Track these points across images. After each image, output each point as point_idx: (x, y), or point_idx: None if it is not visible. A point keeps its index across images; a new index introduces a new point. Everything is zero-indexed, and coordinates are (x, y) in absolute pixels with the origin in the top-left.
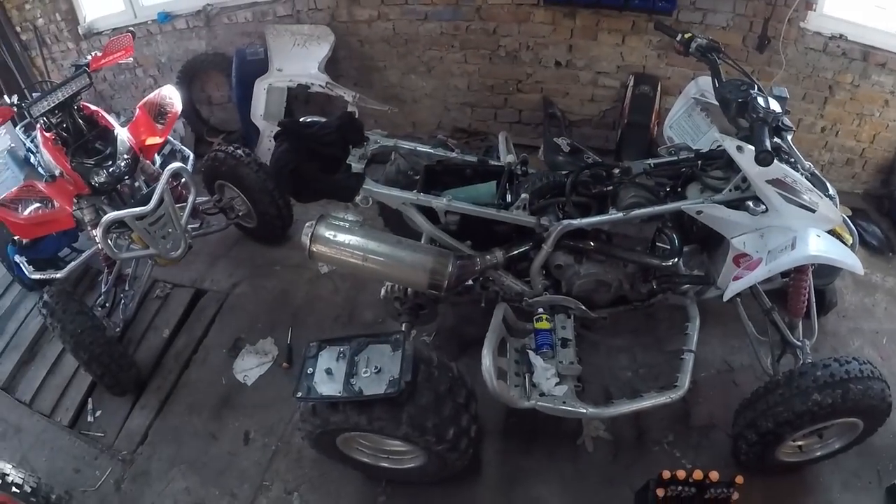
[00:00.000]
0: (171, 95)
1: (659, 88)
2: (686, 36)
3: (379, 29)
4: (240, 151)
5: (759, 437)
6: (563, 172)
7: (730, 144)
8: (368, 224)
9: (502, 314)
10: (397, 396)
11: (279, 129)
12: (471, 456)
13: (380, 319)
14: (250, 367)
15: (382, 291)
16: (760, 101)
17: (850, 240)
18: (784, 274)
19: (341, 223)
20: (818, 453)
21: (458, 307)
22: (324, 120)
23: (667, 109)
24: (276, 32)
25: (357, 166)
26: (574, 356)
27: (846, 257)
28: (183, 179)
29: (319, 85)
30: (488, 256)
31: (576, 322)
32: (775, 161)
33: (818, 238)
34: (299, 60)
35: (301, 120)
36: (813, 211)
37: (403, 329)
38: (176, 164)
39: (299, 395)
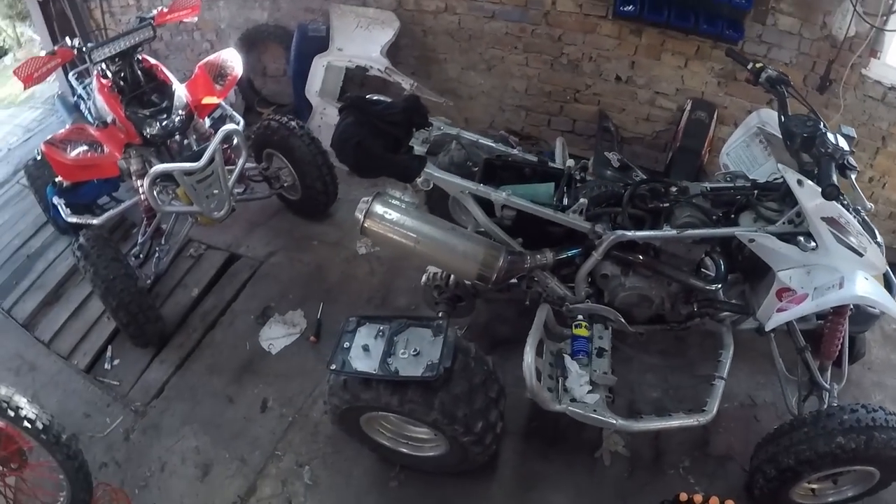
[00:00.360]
0: (233, 59)
1: (715, 116)
2: (757, 65)
3: (444, 21)
4: (293, 123)
5: (778, 473)
6: (621, 184)
7: (791, 177)
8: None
9: (545, 315)
10: (433, 381)
11: (345, 102)
12: (492, 452)
13: (413, 306)
14: (277, 337)
15: (424, 277)
16: (830, 136)
17: None
18: (820, 316)
19: (397, 202)
20: (830, 499)
21: (493, 304)
22: (390, 100)
23: (720, 138)
24: (340, 12)
25: (420, 149)
26: (609, 366)
27: (891, 303)
28: (235, 142)
29: (378, 69)
30: (538, 256)
31: (612, 334)
32: (833, 201)
33: (866, 281)
34: (361, 42)
35: (367, 97)
36: (861, 255)
37: (441, 317)
38: (231, 126)
39: (333, 367)
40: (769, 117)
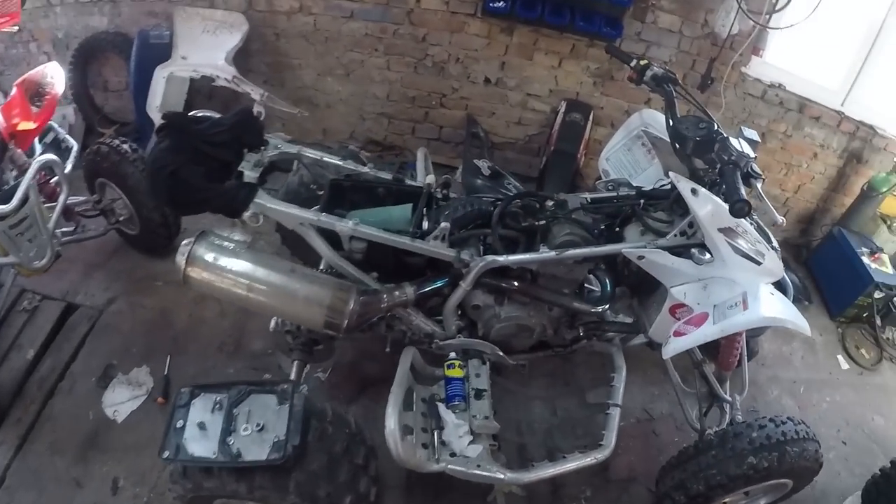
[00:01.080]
0: (54, 74)
1: (591, 118)
2: (641, 63)
3: (298, 23)
4: (125, 146)
5: (688, 500)
6: (490, 199)
7: (684, 186)
8: (261, 245)
9: (410, 361)
10: (284, 463)
11: (162, 122)
12: None
13: (269, 350)
14: (122, 401)
15: (272, 323)
16: (732, 141)
17: None
18: None
19: (225, 244)
20: None
21: (356, 343)
22: (218, 116)
23: (596, 140)
24: (185, 15)
25: (250, 174)
26: (489, 409)
27: (797, 318)
28: (56, 175)
29: (225, 78)
30: (397, 292)
31: (491, 368)
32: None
33: (771, 297)
34: (207, 49)
35: (190, 114)
36: (759, 263)
37: (295, 368)
38: (46, 157)
39: (166, 455)
40: (652, 118)
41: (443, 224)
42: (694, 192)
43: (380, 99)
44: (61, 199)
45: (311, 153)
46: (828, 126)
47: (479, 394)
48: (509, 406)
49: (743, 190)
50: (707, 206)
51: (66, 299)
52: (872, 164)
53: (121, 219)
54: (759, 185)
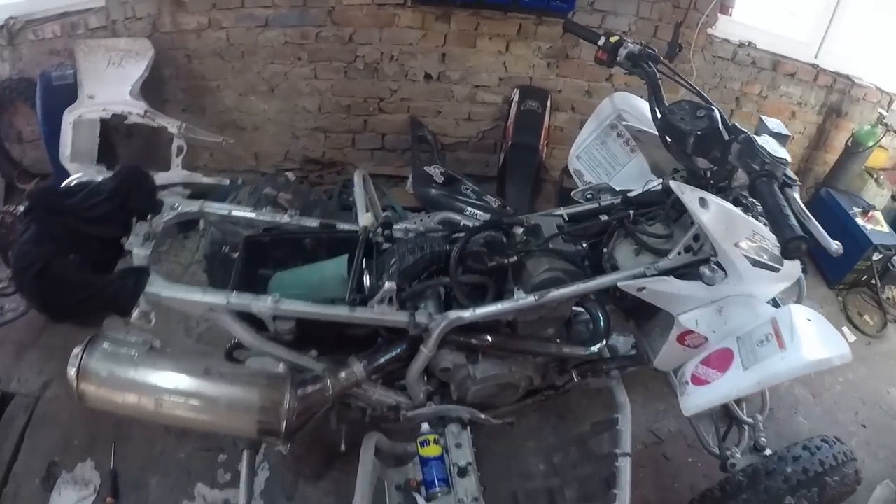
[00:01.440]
0: None
1: (549, 103)
2: (612, 39)
3: (210, 40)
4: None
5: None
6: (444, 233)
7: (691, 199)
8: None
9: (373, 451)
10: None
11: (27, 203)
12: None
13: None
14: None
15: None
16: (760, 141)
17: None
18: None
19: (122, 350)
20: None
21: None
22: (98, 180)
23: (557, 127)
24: (87, 49)
25: (140, 252)
26: (477, 488)
27: (839, 346)
28: None
29: (137, 114)
30: (343, 374)
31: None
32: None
33: (808, 325)
34: (115, 83)
35: (62, 186)
36: (777, 270)
37: (245, 460)
38: None
39: None
40: (626, 103)
41: (387, 286)
42: (703, 202)
43: (311, 112)
44: None
45: (217, 208)
46: (804, 82)
47: (462, 471)
48: (500, 473)
49: (793, 217)
50: (720, 217)
51: (0, 388)
52: (853, 117)
53: None
54: (796, 195)
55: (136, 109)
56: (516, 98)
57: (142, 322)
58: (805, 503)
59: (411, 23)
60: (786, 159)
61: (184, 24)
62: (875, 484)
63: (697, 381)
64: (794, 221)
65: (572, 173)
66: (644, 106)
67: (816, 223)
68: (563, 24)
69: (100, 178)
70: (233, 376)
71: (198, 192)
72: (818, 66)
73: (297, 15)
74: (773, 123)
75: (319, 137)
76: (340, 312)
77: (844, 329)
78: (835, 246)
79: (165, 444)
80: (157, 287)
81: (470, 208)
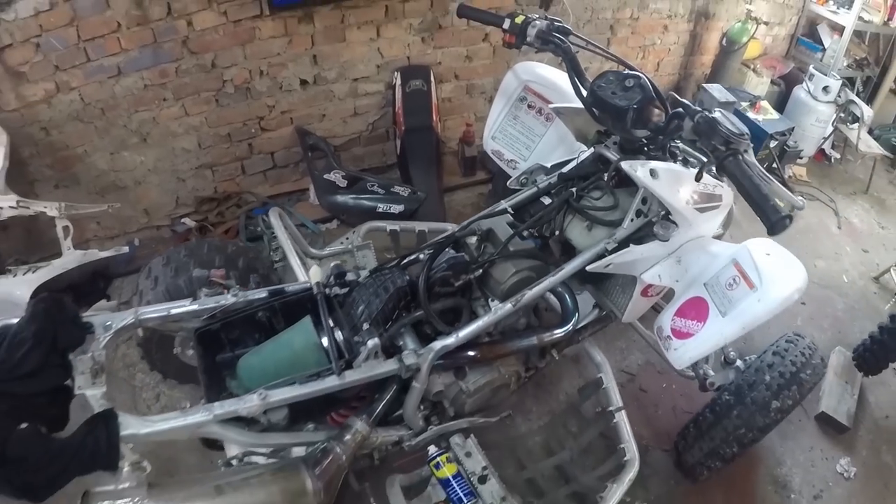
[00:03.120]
0: None
1: (432, 79)
2: (518, 20)
3: (63, 105)
4: None
5: (724, 463)
6: (396, 263)
7: (643, 174)
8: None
9: (400, 493)
10: None
11: None
12: None
13: None
14: None
15: None
16: (718, 116)
17: None
18: None
19: (122, 501)
20: None
21: None
22: (12, 322)
23: (446, 99)
24: None
25: (96, 393)
26: (501, 488)
27: (803, 273)
28: None
29: (10, 206)
30: (348, 436)
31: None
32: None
33: (768, 258)
34: None
35: None
36: (718, 206)
37: None
38: None
39: None
40: (530, 72)
41: (370, 343)
42: (653, 173)
43: (191, 151)
44: None
45: (153, 311)
46: None
47: (482, 478)
48: (508, 466)
49: (770, 195)
50: (671, 183)
51: None
52: (720, 16)
53: None
54: (753, 160)
55: (6, 203)
56: (398, 81)
57: (136, 470)
58: (789, 402)
59: (273, 32)
60: (747, 133)
61: (29, 97)
62: (828, 351)
63: (679, 334)
64: (773, 201)
65: (491, 155)
66: (549, 72)
67: (777, 182)
68: (458, 9)
69: (11, 322)
70: (246, 483)
71: (100, 269)
72: None
73: (149, 54)
74: (717, 91)
75: (207, 174)
76: (332, 384)
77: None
78: (800, 202)
79: None
80: (133, 427)
81: (381, 204)
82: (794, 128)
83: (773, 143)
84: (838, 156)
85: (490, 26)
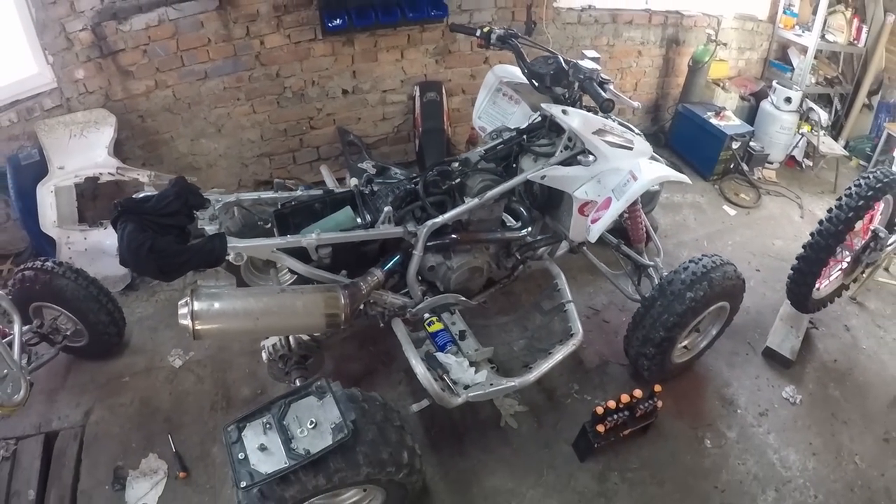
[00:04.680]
0: None
1: (444, 92)
2: (485, 30)
3: (158, 99)
4: (49, 263)
5: (656, 348)
6: (412, 177)
7: (556, 111)
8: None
9: (402, 325)
10: (349, 440)
11: (115, 212)
12: (425, 474)
13: (259, 391)
14: (145, 493)
15: (264, 355)
16: (581, 63)
17: None
18: None
19: (216, 290)
20: (702, 345)
21: (332, 350)
22: (156, 192)
23: (455, 109)
24: (47, 128)
25: (211, 228)
26: (476, 342)
27: (675, 172)
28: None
29: (109, 173)
30: (369, 278)
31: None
32: (596, 115)
33: (650, 164)
34: (81, 152)
35: (134, 197)
36: (631, 148)
37: (297, 384)
38: None
39: (244, 484)
40: (504, 71)
41: (386, 209)
42: (564, 111)
43: (255, 142)
44: (16, 329)
45: (248, 196)
46: (641, 25)
47: (462, 335)
48: (488, 337)
49: (603, 93)
50: (577, 118)
51: (42, 431)
52: (689, 42)
53: (67, 333)
54: (611, 87)
55: (108, 169)
56: (418, 93)
57: (237, 260)
58: (701, 293)
59: (324, 52)
60: (597, 68)
61: (133, 90)
62: (778, 308)
63: (594, 221)
64: (604, 94)
65: (477, 130)
66: (515, 70)
67: (621, 95)
68: (448, 26)
69: (155, 192)
70: (300, 290)
71: None
72: (650, 9)
73: (230, 64)
74: (590, 52)
75: (265, 162)
76: (360, 233)
77: (725, 208)
78: (636, 104)
79: (215, 419)
80: (235, 242)
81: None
82: (752, 131)
83: (735, 145)
84: (810, 163)
85: (487, 50)
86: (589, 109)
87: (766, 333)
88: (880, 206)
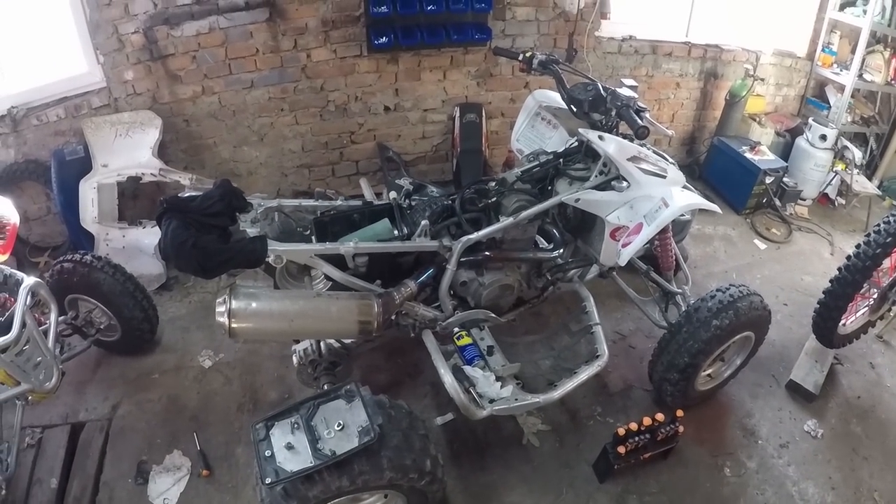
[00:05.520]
0: (2, 206)
1: (483, 114)
2: (527, 55)
3: (204, 104)
4: (88, 257)
5: (680, 374)
6: (448, 194)
7: (592, 136)
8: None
9: (432, 338)
10: (374, 444)
11: (161, 208)
12: (445, 484)
13: (286, 395)
14: (167, 488)
15: (295, 359)
16: (620, 91)
17: None
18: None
19: (254, 290)
20: (727, 374)
21: (360, 359)
22: (201, 193)
23: (493, 132)
24: (94, 126)
25: (252, 230)
26: (503, 358)
27: (706, 201)
28: (40, 296)
29: (152, 173)
30: (402, 289)
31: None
32: (632, 142)
33: (682, 192)
34: (125, 151)
35: (179, 195)
36: (664, 177)
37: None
38: (31, 280)
39: (268, 480)
40: (544, 96)
41: (423, 222)
42: (601, 137)
43: (296, 152)
44: (52, 317)
45: (290, 202)
46: (680, 57)
47: (490, 350)
48: (516, 354)
49: (639, 120)
50: (613, 145)
51: (69, 421)
52: (728, 76)
53: (101, 327)
54: (647, 115)
55: (151, 169)
56: (457, 114)
57: (276, 262)
58: (727, 321)
59: (368, 68)
60: (634, 96)
61: (180, 94)
62: (804, 342)
63: (625, 245)
64: (639, 121)
65: (515, 152)
66: (555, 95)
67: (657, 123)
68: (493, 49)
69: (199, 193)
70: (335, 296)
71: None
72: (690, 42)
73: (276, 75)
74: (628, 81)
75: (304, 173)
76: (397, 244)
77: (756, 241)
78: (670, 132)
79: (241, 420)
80: (274, 245)
81: None
82: (786, 166)
83: (769, 180)
84: (843, 201)
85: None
86: (625, 137)
87: (790, 367)
88: None
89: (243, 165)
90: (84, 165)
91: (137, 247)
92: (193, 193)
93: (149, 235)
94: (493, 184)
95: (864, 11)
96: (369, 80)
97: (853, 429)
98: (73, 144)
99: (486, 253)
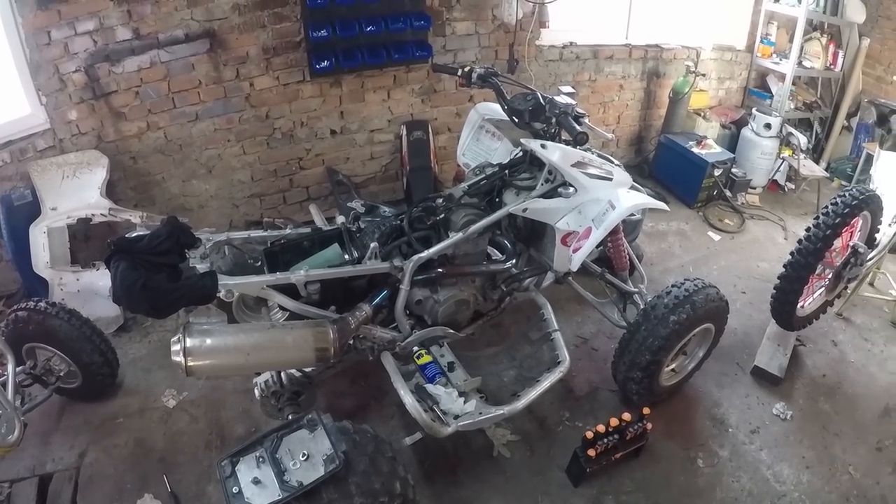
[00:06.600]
0: None
1: (430, 130)
2: (466, 69)
3: (150, 140)
4: (43, 304)
5: (643, 372)
6: (397, 214)
7: (534, 145)
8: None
9: (391, 360)
10: (341, 470)
11: (109, 250)
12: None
13: (253, 429)
14: None
15: (257, 392)
16: (557, 99)
17: None
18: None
19: (208, 327)
20: (690, 367)
21: (324, 386)
22: (148, 232)
23: (441, 147)
24: (40, 168)
25: (202, 266)
26: (465, 373)
27: (653, 200)
28: None
29: (102, 214)
30: (357, 313)
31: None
32: (573, 147)
33: (629, 193)
34: (73, 193)
35: (126, 236)
36: (611, 179)
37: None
38: None
39: None
40: (486, 109)
41: (372, 245)
42: (543, 146)
43: (245, 183)
44: (10, 368)
45: (238, 235)
46: (622, 60)
47: (451, 366)
48: (478, 367)
49: (577, 127)
50: (556, 152)
51: (36, 473)
52: (670, 75)
53: (60, 374)
54: (586, 120)
55: (100, 210)
56: (404, 132)
57: (228, 297)
58: (684, 315)
59: (312, 93)
60: (572, 103)
61: (126, 131)
62: (765, 328)
63: (576, 250)
64: (578, 127)
65: (461, 166)
66: (497, 107)
67: (595, 127)
68: (431, 66)
69: (148, 232)
70: (290, 326)
71: None
72: (630, 44)
73: (221, 105)
74: (566, 88)
75: (256, 202)
76: (348, 269)
77: (709, 234)
78: (610, 136)
79: (210, 458)
80: (225, 280)
81: None
82: (734, 157)
83: (718, 172)
84: (793, 186)
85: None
86: (568, 144)
87: (754, 353)
88: (858, 223)
89: (194, 199)
90: (33, 210)
91: (92, 290)
92: (141, 233)
93: (103, 278)
94: (441, 200)
95: (800, 1)
96: (314, 105)
97: (822, 407)
98: (21, 189)
99: (439, 269)
